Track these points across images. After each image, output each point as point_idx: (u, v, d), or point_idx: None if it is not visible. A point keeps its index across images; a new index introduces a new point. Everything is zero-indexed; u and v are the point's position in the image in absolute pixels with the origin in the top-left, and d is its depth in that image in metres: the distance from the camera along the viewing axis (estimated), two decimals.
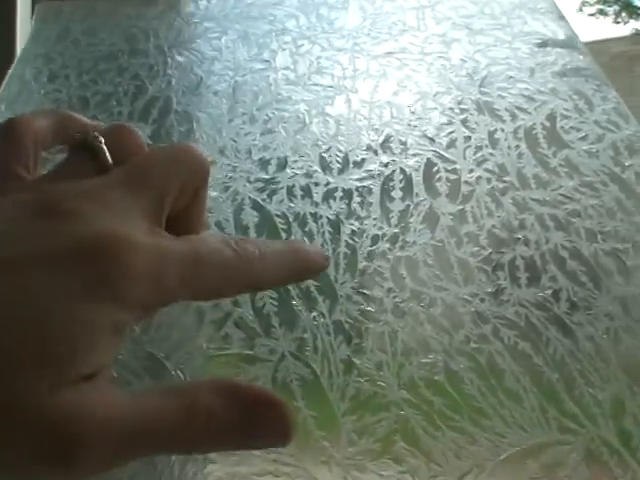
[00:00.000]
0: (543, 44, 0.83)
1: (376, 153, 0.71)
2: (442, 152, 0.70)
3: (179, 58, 0.90)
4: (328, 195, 0.67)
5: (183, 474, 0.49)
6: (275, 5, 0.97)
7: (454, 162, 0.69)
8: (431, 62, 0.83)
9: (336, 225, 0.64)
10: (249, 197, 0.68)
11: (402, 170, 0.69)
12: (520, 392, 0.51)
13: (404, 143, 0.72)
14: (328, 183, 0.68)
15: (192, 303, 0.59)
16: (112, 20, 0.99)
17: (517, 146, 0.70)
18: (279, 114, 0.78)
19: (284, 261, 0.30)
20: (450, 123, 0.74)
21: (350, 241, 0.63)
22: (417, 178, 0.68)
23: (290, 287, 0.60)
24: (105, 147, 0.29)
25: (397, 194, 0.67)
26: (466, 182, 0.67)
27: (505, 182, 0.66)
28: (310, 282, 0.60)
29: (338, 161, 0.71)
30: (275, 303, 0.59)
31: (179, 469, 0.49)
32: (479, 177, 0.67)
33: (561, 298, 0.57)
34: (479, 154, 0.69)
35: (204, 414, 0.25)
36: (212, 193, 0.68)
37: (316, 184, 0.69)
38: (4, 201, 0.26)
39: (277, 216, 0.66)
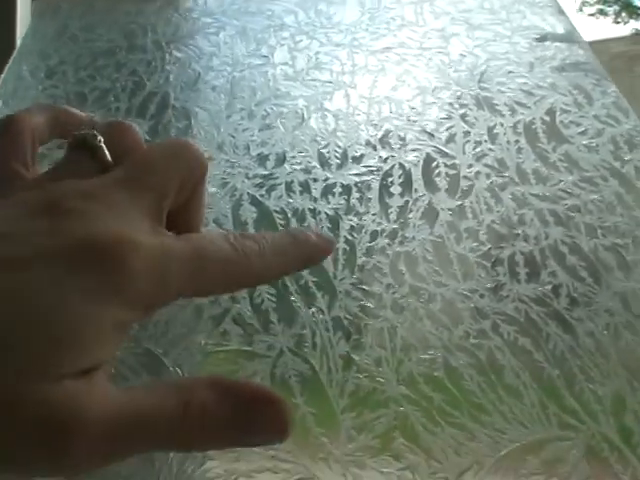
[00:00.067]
0: (542, 38, 0.83)
1: (375, 148, 0.71)
2: (441, 147, 0.70)
3: (177, 54, 0.90)
4: (327, 191, 0.67)
5: (181, 471, 0.49)
6: (273, 0, 0.97)
7: (453, 157, 0.69)
8: (430, 57, 0.83)
9: (335, 221, 0.64)
10: (247, 193, 0.68)
11: (401, 165, 0.69)
12: (520, 388, 0.51)
13: (403, 138, 0.72)
14: (327, 179, 0.68)
15: (190, 299, 0.59)
16: (110, 16, 0.99)
17: (516, 141, 0.70)
18: (277, 110, 0.78)
19: (285, 253, 0.30)
20: (449, 118, 0.73)
21: (349, 237, 0.62)
22: (416, 173, 0.68)
23: (289, 283, 0.59)
24: (104, 145, 0.29)
25: (396, 189, 0.66)
26: (465, 177, 0.66)
27: (504, 177, 0.66)
28: (309, 278, 0.59)
29: (337, 157, 0.71)
30: (274, 299, 0.59)
31: (177, 466, 0.49)
32: (478, 172, 0.67)
33: (561, 294, 0.56)
34: (478, 149, 0.69)
35: (198, 410, 0.25)
36: (210, 189, 0.68)
37: (315, 180, 0.68)
38: (5, 200, 0.26)
39: (276, 212, 0.66)
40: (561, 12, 0.87)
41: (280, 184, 0.68)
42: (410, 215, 0.64)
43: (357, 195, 0.66)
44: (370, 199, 0.66)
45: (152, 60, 0.89)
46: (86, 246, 0.23)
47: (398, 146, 0.71)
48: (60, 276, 0.23)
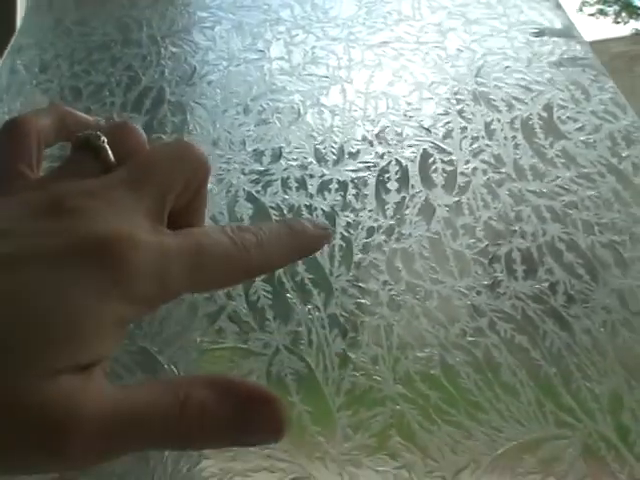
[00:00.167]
0: (540, 33, 0.82)
1: (371, 144, 0.71)
2: (438, 143, 0.70)
3: (172, 48, 0.89)
4: (323, 187, 0.67)
5: (176, 470, 0.49)
6: None
7: (450, 153, 0.68)
8: (427, 52, 0.82)
9: (331, 217, 0.64)
10: (243, 189, 0.67)
11: (398, 161, 0.68)
12: (517, 386, 0.51)
13: (400, 134, 0.71)
14: (323, 175, 0.68)
15: (186, 296, 0.58)
16: (105, 10, 0.98)
17: (514, 137, 0.69)
18: (273, 105, 0.77)
19: (283, 243, 0.30)
20: (446, 113, 0.73)
21: (345, 233, 0.62)
22: (413, 169, 0.67)
23: (284, 280, 0.59)
24: (107, 146, 0.30)
25: (393, 185, 0.66)
26: (462, 173, 0.66)
27: (501, 173, 0.66)
28: (305, 275, 0.59)
29: (333, 152, 0.70)
30: (269, 296, 0.58)
31: (172, 465, 0.49)
32: (475, 168, 0.66)
33: (558, 291, 0.56)
34: (475, 145, 0.69)
35: (197, 410, 0.25)
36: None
37: (311, 176, 0.68)
38: (9, 200, 0.26)
39: (272, 208, 0.65)
40: (559, 7, 0.86)
41: (276, 180, 0.68)
42: (407, 211, 0.63)
43: (353, 191, 0.66)
44: (366, 195, 0.65)
45: (147, 54, 0.88)
46: (87, 243, 0.24)
47: (395, 142, 0.71)
48: (60, 274, 0.23)
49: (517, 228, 0.61)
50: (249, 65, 0.84)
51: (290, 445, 0.49)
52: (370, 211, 0.64)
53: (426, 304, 0.56)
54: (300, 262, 0.60)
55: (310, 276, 0.59)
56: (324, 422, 0.50)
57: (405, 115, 0.74)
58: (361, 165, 0.69)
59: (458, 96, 0.75)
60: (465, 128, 0.71)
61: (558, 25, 0.84)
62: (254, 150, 0.72)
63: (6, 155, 0.31)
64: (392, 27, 0.88)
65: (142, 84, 0.83)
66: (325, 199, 0.65)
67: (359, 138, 0.72)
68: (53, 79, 0.86)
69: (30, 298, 0.22)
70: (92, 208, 0.25)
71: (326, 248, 0.61)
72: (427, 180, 0.66)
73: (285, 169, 0.69)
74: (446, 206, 0.63)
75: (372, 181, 0.67)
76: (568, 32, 0.82)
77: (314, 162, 0.69)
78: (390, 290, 0.57)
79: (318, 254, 0.60)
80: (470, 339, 0.54)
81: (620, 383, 0.50)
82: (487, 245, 0.60)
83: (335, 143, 0.71)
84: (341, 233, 0.62)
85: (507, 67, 0.78)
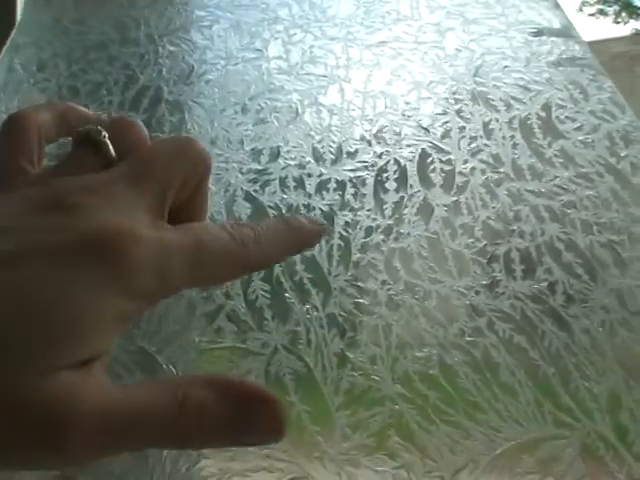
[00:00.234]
0: (538, 33, 0.82)
1: (370, 144, 0.71)
2: (436, 142, 0.70)
3: (170, 47, 0.89)
4: (321, 186, 0.67)
5: (175, 470, 0.49)
6: None
7: (448, 152, 0.68)
8: (425, 51, 0.82)
9: (329, 217, 0.64)
10: (241, 188, 0.67)
11: (396, 161, 0.68)
12: (515, 386, 0.51)
13: (398, 133, 0.71)
14: (321, 174, 0.68)
15: (184, 296, 0.58)
16: (103, 9, 0.98)
17: (512, 136, 0.69)
18: (271, 104, 0.77)
19: (280, 239, 0.31)
20: (445, 113, 0.73)
21: (344, 233, 0.62)
22: (411, 169, 0.67)
23: (283, 279, 0.59)
24: (108, 141, 0.30)
25: (391, 185, 0.66)
26: (461, 173, 0.66)
27: (500, 173, 0.66)
28: (303, 274, 0.59)
29: (331, 152, 0.70)
30: (268, 296, 0.58)
31: (171, 465, 0.49)
32: (473, 168, 0.66)
33: (557, 290, 0.56)
34: (474, 144, 0.69)
35: (196, 409, 0.25)
36: None
37: (309, 175, 0.68)
38: (9, 196, 0.26)
39: (270, 207, 0.65)
40: (557, 7, 0.86)
41: (274, 179, 0.68)
42: (405, 211, 0.63)
43: (352, 191, 0.66)
44: (365, 195, 0.65)
45: (145, 53, 0.88)
46: (87, 239, 0.24)
47: (393, 141, 0.70)
48: (61, 270, 0.23)
49: (516, 228, 0.61)
50: (247, 64, 0.84)
51: (289, 445, 0.49)
52: (368, 211, 0.64)
53: (425, 304, 0.56)
54: (299, 262, 0.60)
55: (309, 276, 0.59)
56: (323, 422, 0.50)
57: (403, 115, 0.74)
58: (359, 164, 0.69)
59: (456, 96, 0.75)
60: (463, 128, 0.71)
61: (557, 25, 0.84)
62: (252, 149, 0.71)
63: (7, 150, 0.31)
64: (390, 27, 0.88)
65: (140, 83, 0.83)
66: (323, 198, 0.65)
67: (357, 137, 0.72)
68: (51, 78, 0.86)
69: (31, 295, 0.22)
70: (93, 204, 0.25)
71: (324, 247, 0.61)
72: (425, 180, 0.66)
73: (283, 168, 0.69)
74: (444, 206, 0.63)
75: (370, 181, 0.67)
76: (567, 32, 0.82)
77: (312, 161, 0.69)
78: (389, 290, 0.57)
79: (316, 253, 0.60)
80: (469, 339, 0.54)
81: (619, 383, 0.50)
82: (486, 245, 0.60)
83: (333, 142, 0.71)
84: (339, 233, 0.62)
85: (505, 67, 0.78)
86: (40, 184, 0.27)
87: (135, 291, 0.24)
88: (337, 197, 0.65)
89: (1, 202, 0.26)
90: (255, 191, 0.67)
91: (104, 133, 0.30)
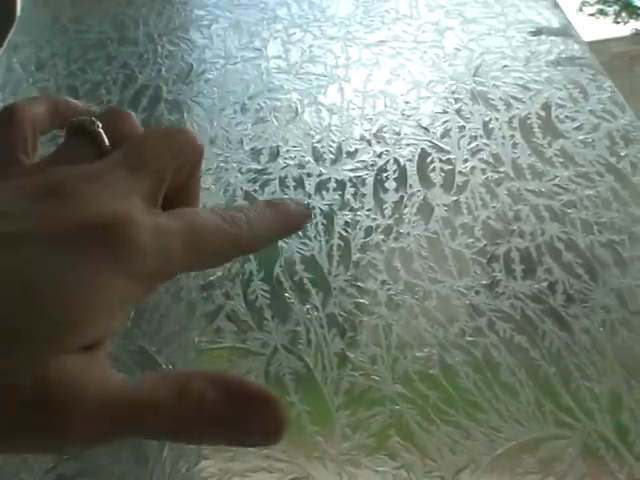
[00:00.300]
0: (537, 32, 0.82)
1: (369, 143, 0.71)
2: (436, 142, 0.69)
3: (169, 46, 0.89)
4: (321, 186, 0.67)
5: (175, 470, 0.49)
6: None
7: (448, 152, 0.68)
8: (425, 50, 0.82)
9: (329, 216, 0.64)
10: (241, 188, 0.67)
11: (396, 160, 0.68)
12: (516, 386, 0.51)
13: (398, 133, 0.71)
14: (321, 174, 0.68)
15: (183, 296, 0.58)
16: (101, 7, 0.98)
17: (512, 136, 0.69)
18: (271, 103, 0.77)
19: (269, 220, 0.31)
20: (444, 112, 0.73)
21: (344, 232, 0.62)
22: (411, 168, 0.67)
23: (283, 279, 0.59)
24: (102, 131, 0.30)
25: (391, 185, 0.66)
26: (460, 172, 0.66)
27: (500, 172, 0.65)
28: (303, 274, 0.59)
29: (331, 151, 0.70)
30: (268, 296, 0.58)
31: (171, 465, 0.49)
32: (473, 167, 0.66)
33: (557, 290, 0.56)
34: (473, 144, 0.69)
35: (195, 403, 0.25)
36: (203, 184, 0.67)
37: (309, 175, 0.68)
38: (5, 185, 0.26)
39: None
40: (556, 6, 0.86)
41: (274, 179, 0.68)
42: (405, 211, 0.63)
43: (351, 190, 0.66)
44: (365, 194, 0.65)
45: (144, 52, 0.88)
46: (87, 224, 0.24)
47: (393, 141, 0.70)
48: (62, 253, 0.23)
49: (516, 227, 0.61)
50: (246, 63, 0.84)
51: (289, 445, 0.49)
52: (368, 210, 0.64)
53: (425, 304, 0.56)
54: (299, 262, 0.60)
55: (308, 275, 0.59)
56: (323, 422, 0.50)
57: (403, 114, 0.73)
58: (359, 164, 0.68)
59: (456, 95, 0.75)
60: (463, 127, 0.71)
61: (556, 24, 0.84)
62: (252, 149, 0.71)
63: (1, 142, 0.31)
64: (390, 26, 0.87)
65: (139, 82, 0.83)
66: (323, 198, 0.65)
67: (357, 137, 0.72)
68: (49, 77, 0.86)
69: (33, 276, 0.22)
70: (90, 191, 0.25)
71: (324, 247, 0.61)
72: (425, 179, 0.66)
73: (283, 168, 0.69)
74: (444, 205, 0.63)
75: (370, 180, 0.67)
76: (566, 31, 0.82)
77: (312, 161, 0.69)
78: (389, 290, 0.57)
79: (316, 253, 0.60)
80: (469, 339, 0.54)
81: (619, 383, 0.50)
82: (486, 244, 0.60)
83: (333, 142, 0.71)
84: (339, 232, 0.62)
85: (505, 66, 0.78)
86: (36, 173, 0.27)
87: (136, 273, 0.24)
88: (337, 197, 0.65)
89: None
90: (255, 191, 0.67)
91: (98, 123, 0.30)
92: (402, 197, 0.64)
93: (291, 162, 0.69)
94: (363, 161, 0.69)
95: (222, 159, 0.70)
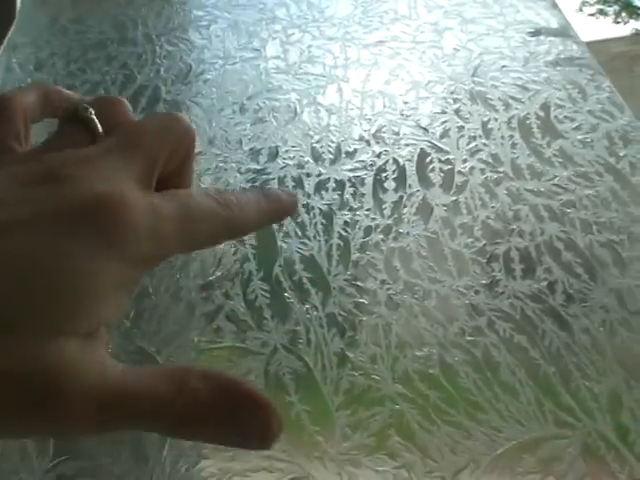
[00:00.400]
0: (536, 33, 0.82)
1: (368, 143, 0.71)
2: (435, 142, 0.70)
3: (168, 47, 0.89)
4: (320, 186, 0.67)
5: (175, 470, 0.48)
6: None
7: (447, 152, 0.68)
8: (423, 51, 0.82)
9: (329, 216, 0.64)
10: (240, 188, 0.67)
11: (395, 160, 0.68)
12: (516, 385, 0.51)
13: (397, 133, 0.71)
14: (320, 174, 0.68)
15: (182, 296, 0.58)
16: (100, 8, 0.98)
17: (511, 136, 0.69)
18: (270, 104, 0.77)
19: (260, 205, 0.31)
20: (443, 113, 0.73)
21: (343, 232, 0.62)
22: (410, 168, 0.67)
23: (282, 279, 0.59)
24: (95, 117, 0.30)
25: (390, 185, 0.66)
26: (460, 172, 0.66)
27: (499, 172, 0.66)
28: (303, 274, 0.59)
29: (330, 151, 0.70)
30: (267, 295, 0.58)
31: (171, 465, 0.49)
32: (473, 167, 0.66)
33: (556, 290, 0.56)
34: (473, 144, 0.69)
35: (190, 397, 0.25)
36: (202, 184, 0.67)
37: (308, 175, 0.68)
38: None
39: None
40: (555, 6, 0.86)
41: (273, 179, 0.68)
42: (404, 211, 0.63)
43: (351, 190, 0.66)
44: (364, 194, 0.65)
45: (143, 53, 0.88)
46: (80, 208, 0.24)
47: (392, 141, 0.70)
48: (56, 238, 0.23)
49: (515, 227, 0.61)
50: (245, 64, 0.84)
51: (289, 445, 0.49)
52: (368, 210, 0.64)
53: (424, 303, 0.56)
54: (298, 261, 0.60)
55: (308, 275, 0.59)
56: (323, 422, 0.50)
57: (402, 114, 0.73)
58: (358, 164, 0.68)
59: (455, 95, 0.75)
60: (462, 127, 0.71)
61: (554, 25, 0.84)
62: (251, 149, 0.71)
63: None
64: (388, 26, 0.88)
65: (138, 82, 0.83)
66: (322, 198, 0.65)
67: (356, 137, 0.72)
68: (48, 77, 0.85)
69: (28, 261, 0.22)
70: (84, 175, 0.25)
71: (323, 247, 0.61)
72: (424, 179, 0.66)
73: (282, 168, 0.69)
74: (444, 205, 0.63)
75: (369, 180, 0.67)
76: (564, 32, 0.82)
77: (311, 161, 0.69)
78: (388, 289, 0.57)
79: (316, 253, 0.60)
80: (469, 338, 0.54)
81: (619, 382, 0.50)
82: (485, 244, 0.60)
83: (332, 142, 0.71)
84: (339, 232, 0.62)
85: (504, 66, 0.78)
86: (30, 160, 0.27)
87: (130, 257, 0.24)
88: (336, 197, 0.65)
89: None
90: None
91: (91, 110, 0.30)
92: (401, 197, 0.65)
93: (290, 162, 0.69)
94: (362, 161, 0.69)
95: (221, 159, 0.70)
